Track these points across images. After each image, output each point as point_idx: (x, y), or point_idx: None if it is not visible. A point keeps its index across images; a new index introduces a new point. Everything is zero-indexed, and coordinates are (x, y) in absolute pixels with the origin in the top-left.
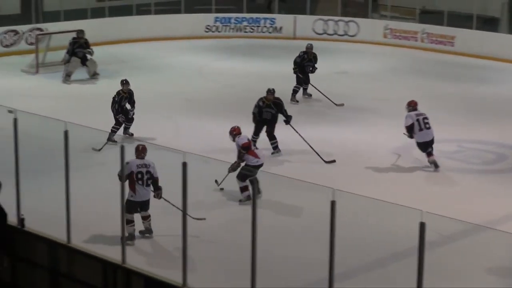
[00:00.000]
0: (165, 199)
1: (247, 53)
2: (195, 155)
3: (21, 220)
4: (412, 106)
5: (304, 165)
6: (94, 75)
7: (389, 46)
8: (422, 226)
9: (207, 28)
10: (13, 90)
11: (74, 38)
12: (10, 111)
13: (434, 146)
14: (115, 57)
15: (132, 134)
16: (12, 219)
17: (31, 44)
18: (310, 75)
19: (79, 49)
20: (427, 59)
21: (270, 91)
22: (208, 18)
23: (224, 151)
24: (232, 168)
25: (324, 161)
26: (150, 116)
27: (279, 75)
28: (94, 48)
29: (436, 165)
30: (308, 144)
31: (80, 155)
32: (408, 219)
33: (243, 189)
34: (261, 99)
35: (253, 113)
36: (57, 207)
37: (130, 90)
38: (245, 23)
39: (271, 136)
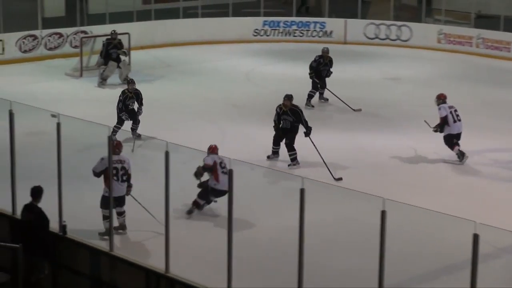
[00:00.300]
0: (133, 197)
1: (296, 58)
2: (241, 162)
3: (63, 227)
4: (442, 99)
5: (350, 172)
6: (126, 80)
7: (442, 51)
8: (476, 238)
9: (255, 32)
10: (56, 94)
11: (107, 39)
12: (53, 115)
13: (487, 154)
14: (160, 61)
15: (139, 135)
16: (54, 225)
17: (76, 47)
18: (328, 78)
19: (113, 50)
20: (482, 65)
21: (287, 97)
22: (256, 22)
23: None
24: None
25: (334, 178)
26: (195, 122)
27: (329, 81)
28: (139, 52)
29: (462, 155)
30: (322, 158)
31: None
32: (461, 230)
33: (194, 202)
34: (279, 105)
35: (274, 121)
36: (100, 213)
37: (137, 90)
38: (294, 27)
39: (290, 147)
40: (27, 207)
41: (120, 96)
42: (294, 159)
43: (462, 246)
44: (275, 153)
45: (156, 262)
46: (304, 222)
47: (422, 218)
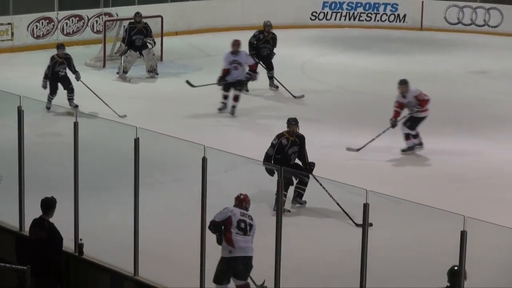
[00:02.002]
0: None
1: (362, 47)
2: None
3: (79, 246)
4: None
5: (424, 187)
6: (151, 71)
7: None
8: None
9: (313, 15)
10: (74, 88)
11: (130, 23)
12: (70, 113)
13: None
14: (198, 50)
15: (76, 106)
16: (68, 244)
17: (98, 32)
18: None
19: (138, 36)
20: None
21: (295, 121)
22: (315, 3)
23: (327, 165)
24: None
25: (356, 224)
26: (239, 123)
27: (401, 74)
28: (173, 39)
29: None
30: (336, 202)
31: (154, 168)
32: None
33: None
34: (281, 135)
35: (267, 154)
36: (123, 231)
37: (67, 54)
38: (360, 10)
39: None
40: (36, 223)
41: (49, 62)
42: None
43: None
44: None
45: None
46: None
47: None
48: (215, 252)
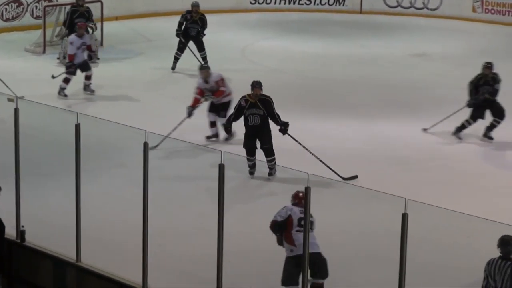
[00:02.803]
0: None
1: (302, 30)
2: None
3: (21, 233)
4: None
5: (367, 169)
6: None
7: (479, 22)
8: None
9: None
10: (15, 74)
11: (72, 6)
12: (10, 100)
13: None
14: (140, 35)
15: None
16: (10, 231)
17: (38, 18)
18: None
19: (80, 19)
20: None
21: (259, 84)
22: None
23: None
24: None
25: (342, 178)
26: (180, 107)
27: (342, 57)
28: (114, 24)
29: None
30: (319, 159)
31: (93, 154)
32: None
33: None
34: (243, 97)
35: (232, 119)
36: (65, 217)
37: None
38: None
39: (270, 152)
40: None
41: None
42: (273, 167)
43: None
44: (253, 166)
45: (131, 275)
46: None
47: (453, 222)
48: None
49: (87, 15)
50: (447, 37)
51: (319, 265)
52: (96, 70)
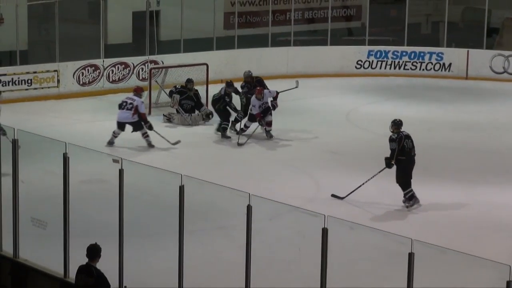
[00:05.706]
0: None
1: (407, 95)
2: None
3: None
4: None
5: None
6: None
7: None
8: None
9: (359, 64)
10: (120, 135)
11: (181, 87)
12: (115, 161)
13: None
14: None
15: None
16: None
17: (144, 79)
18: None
19: (187, 101)
20: None
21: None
22: (360, 52)
23: (375, 216)
24: None
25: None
26: (285, 171)
27: (446, 123)
28: (219, 86)
29: None
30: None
31: (198, 215)
32: None
33: None
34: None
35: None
36: (167, 277)
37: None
38: (405, 58)
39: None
40: (83, 269)
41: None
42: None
43: None
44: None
45: None
46: None
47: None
48: None
49: (195, 99)
50: None
51: None
52: (201, 131)
